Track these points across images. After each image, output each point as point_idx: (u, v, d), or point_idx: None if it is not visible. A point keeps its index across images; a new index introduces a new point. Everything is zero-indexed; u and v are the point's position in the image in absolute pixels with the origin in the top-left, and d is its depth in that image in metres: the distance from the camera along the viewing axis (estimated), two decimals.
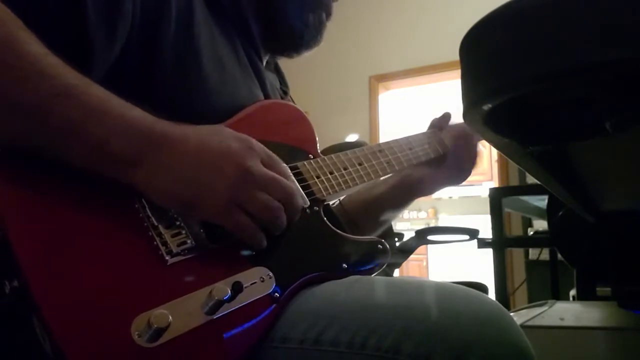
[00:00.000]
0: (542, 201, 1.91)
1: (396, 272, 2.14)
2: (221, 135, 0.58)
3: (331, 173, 0.73)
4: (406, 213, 6.61)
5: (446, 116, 0.99)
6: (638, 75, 0.40)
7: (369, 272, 0.68)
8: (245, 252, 0.58)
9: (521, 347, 0.50)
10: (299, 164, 0.70)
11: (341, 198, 0.92)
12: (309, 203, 0.66)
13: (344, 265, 0.66)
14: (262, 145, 0.60)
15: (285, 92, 0.94)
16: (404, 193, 0.97)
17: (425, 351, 0.49)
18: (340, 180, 0.73)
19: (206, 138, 0.57)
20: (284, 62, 0.98)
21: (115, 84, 0.55)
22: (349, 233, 0.74)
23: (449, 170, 0.96)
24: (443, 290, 0.55)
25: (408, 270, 5.84)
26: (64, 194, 0.52)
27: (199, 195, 0.54)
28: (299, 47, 0.87)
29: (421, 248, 3.78)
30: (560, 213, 1.09)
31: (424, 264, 6.21)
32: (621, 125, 0.45)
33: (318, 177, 0.71)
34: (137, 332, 0.47)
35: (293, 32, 0.84)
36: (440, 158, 0.94)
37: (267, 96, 0.80)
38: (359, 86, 4.39)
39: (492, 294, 1.96)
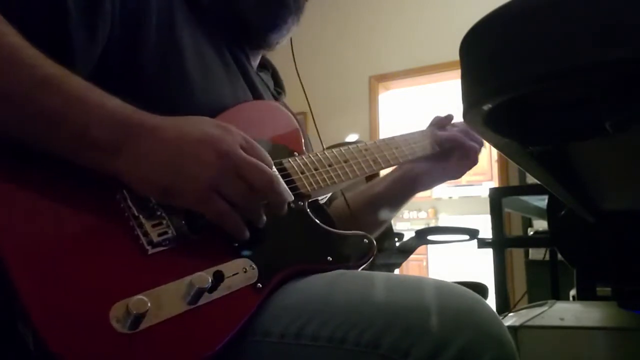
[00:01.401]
0: (542, 201, 1.91)
1: (396, 272, 2.14)
2: (199, 123, 0.58)
3: (316, 169, 0.73)
4: (406, 213, 6.61)
5: (449, 117, 1.01)
6: (638, 75, 0.41)
7: (356, 266, 0.68)
8: (228, 244, 0.58)
9: (501, 340, 0.50)
10: (283, 160, 0.70)
11: (327, 194, 0.92)
12: (292, 197, 0.66)
13: (329, 258, 0.66)
14: (240, 132, 0.60)
15: (279, 93, 0.94)
16: (405, 187, 0.98)
17: (405, 345, 0.49)
18: (325, 176, 0.73)
19: (184, 126, 0.57)
20: (284, 62, 0.98)
21: (98, 84, 0.55)
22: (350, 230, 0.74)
23: (448, 165, 0.97)
24: (425, 285, 0.56)
25: (408, 270, 5.84)
26: (44, 185, 0.52)
27: (179, 182, 0.54)
28: (262, 39, 0.85)
29: (421, 248, 3.78)
30: (561, 213, 1.09)
31: (424, 264, 6.21)
32: (621, 125, 0.45)
33: (302, 172, 0.71)
34: (115, 319, 0.47)
35: (240, 23, 0.82)
36: (438, 154, 0.95)
37: (257, 96, 0.80)
38: (359, 86, 4.39)
39: (492, 294, 1.96)
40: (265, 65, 0.95)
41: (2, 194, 0.50)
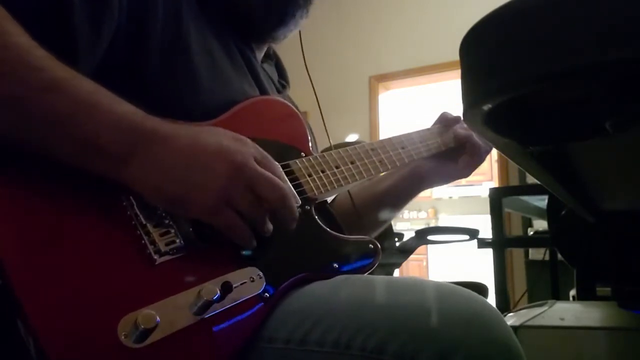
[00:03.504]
0: (542, 201, 1.91)
1: (396, 272, 2.14)
2: (213, 133, 0.57)
3: (323, 172, 0.72)
4: (406, 213, 6.61)
5: (457, 119, 0.98)
6: (638, 75, 0.40)
7: (361, 271, 0.68)
8: (236, 252, 0.58)
9: (508, 345, 0.50)
10: (290, 162, 0.69)
11: (333, 195, 0.91)
12: (300, 202, 0.65)
13: (335, 264, 0.65)
14: (255, 144, 0.59)
15: (283, 86, 0.93)
16: (412, 185, 0.97)
17: (410, 351, 0.48)
18: (332, 178, 0.73)
19: (198, 135, 0.56)
20: (287, 57, 0.97)
21: (103, 82, 0.54)
22: (353, 229, 0.73)
23: (459, 164, 0.95)
24: (430, 289, 0.55)
25: (408, 270, 5.84)
26: (50, 192, 0.51)
27: (189, 192, 0.53)
28: (264, 32, 0.83)
29: (421, 248, 3.78)
30: (561, 213, 1.09)
31: (424, 264, 6.21)
32: (621, 125, 0.45)
33: (310, 175, 0.70)
34: (123, 333, 0.46)
35: (246, 18, 0.81)
36: (446, 152, 0.93)
37: (263, 92, 0.79)
38: (359, 86, 4.39)
39: (492, 294, 1.96)
40: (269, 55, 0.93)
41: (5, 202, 0.48)
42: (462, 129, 0.96)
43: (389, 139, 0.87)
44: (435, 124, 0.99)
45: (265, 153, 0.59)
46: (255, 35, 0.84)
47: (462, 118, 0.97)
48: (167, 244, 0.53)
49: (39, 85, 0.49)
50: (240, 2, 0.80)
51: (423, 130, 0.94)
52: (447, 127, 0.96)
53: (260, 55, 0.88)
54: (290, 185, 0.65)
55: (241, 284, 0.55)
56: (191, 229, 0.55)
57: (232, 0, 0.80)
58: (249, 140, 0.58)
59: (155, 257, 0.52)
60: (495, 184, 5.16)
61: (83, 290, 0.48)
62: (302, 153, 0.73)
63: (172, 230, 0.55)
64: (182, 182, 0.53)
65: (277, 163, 0.60)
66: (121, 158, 0.52)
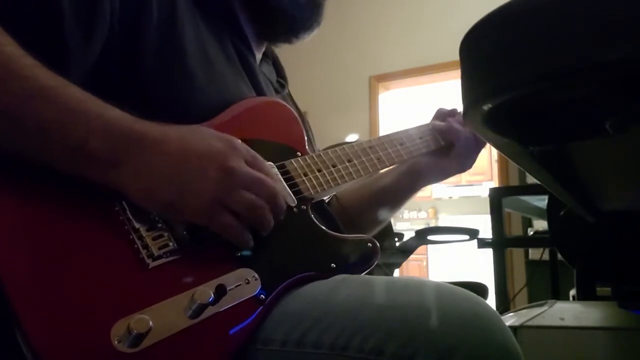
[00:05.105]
0: (542, 201, 1.91)
1: (396, 272, 2.14)
2: (203, 135, 0.57)
3: (319, 171, 0.72)
4: (406, 213, 6.61)
5: (452, 112, 0.98)
6: (638, 75, 0.40)
7: (359, 271, 0.67)
8: (230, 254, 0.57)
9: (507, 347, 0.49)
10: (286, 162, 0.69)
11: (331, 194, 0.90)
12: (296, 202, 0.65)
13: (333, 265, 0.64)
14: (245, 145, 0.59)
15: (282, 86, 0.93)
16: (411, 182, 0.96)
17: (408, 352, 0.48)
18: (328, 177, 0.72)
19: (188, 138, 0.56)
20: (283, 62, 0.97)
21: (98, 84, 0.54)
22: (346, 230, 0.73)
23: (454, 158, 0.94)
24: (429, 290, 0.55)
25: (408, 270, 5.84)
26: (41, 199, 0.51)
27: (181, 196, 0.53)
28: (294, 29, 0.84)
29: (421, 248, 3.78)
30: (561, 213, 1.09)
31: (424, 264, 6.21)
32: (621, 125, 0.45)
33: (306, 174, 0.70)
34: (117, 338, 0.46)
35: (282, 13, 0.81)
36: (444, 147, 0.93)
37: (260, 93, 0.79)
38: (359, 86, 4.39)
39: (492, 294, 1.96)
40: (266, 54, 0.93)
41: None
42: (449, 122, 0.95)
43: (387, 135, 0.87)
44: (432, 119, 0.98)
45: (255, 153, 0.59)
46: (275, 38, 0.85)
47: (457, 110, 0.98)
48: (160, 248, 0.53)
49: (28, 94, 0.49)
50: (287, 10, 0.80)
51: (422, 126, 0.93)
52: (443, 121, 0.95)
53: (259, 55, 0.87)
54: (285, 185, 0.65)
55: (236, 286, 0.55)
56: (185, 232, 0.55)
57: (269, 6, 0.80)
58: (238, 141, 0.58)
59: (149, 261, 0.52)
60: (495, 184, 5.16)
61: (76, 296, 0.48)
62: (298, 152, 0.73)
63: (165, 234, 0.54)
64: (174, 185, 0.53)
65: (267, 163, 0.60)
66: (112, 164, 0.52)
